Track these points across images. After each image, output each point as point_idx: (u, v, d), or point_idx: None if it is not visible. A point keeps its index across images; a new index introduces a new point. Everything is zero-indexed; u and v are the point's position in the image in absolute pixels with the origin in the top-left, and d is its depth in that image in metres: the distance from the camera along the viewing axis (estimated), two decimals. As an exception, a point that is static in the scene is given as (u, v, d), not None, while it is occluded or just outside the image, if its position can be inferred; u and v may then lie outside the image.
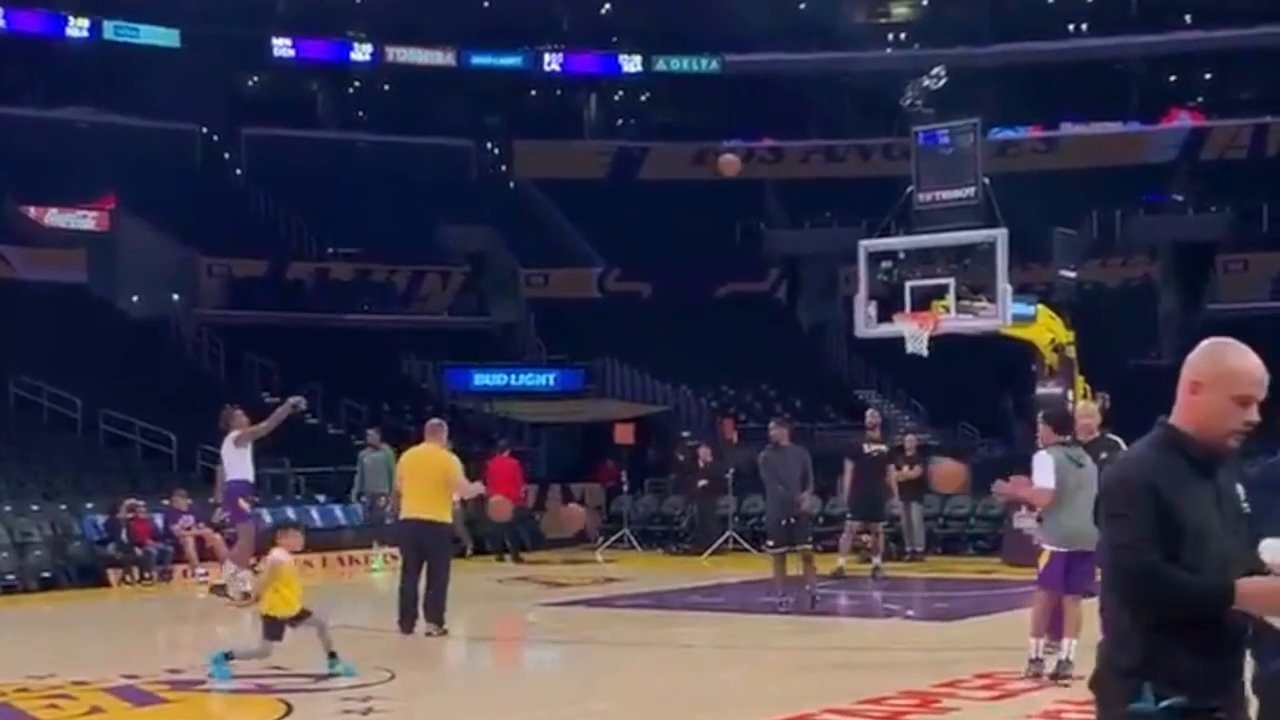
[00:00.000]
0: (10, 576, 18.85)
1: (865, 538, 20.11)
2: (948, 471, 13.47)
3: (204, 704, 10.69)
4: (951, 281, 19.05)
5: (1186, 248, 39.53)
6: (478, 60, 44.41)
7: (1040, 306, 20.34)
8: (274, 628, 11.11)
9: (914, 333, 18.98)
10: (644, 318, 36.62)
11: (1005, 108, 38.79)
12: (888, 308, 19.49)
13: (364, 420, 28.88)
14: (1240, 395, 3.81)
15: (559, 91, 47.42)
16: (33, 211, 36.67)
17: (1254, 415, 3.82)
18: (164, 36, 40.21)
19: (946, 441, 31.65)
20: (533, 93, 46.98)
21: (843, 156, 44.39)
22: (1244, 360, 3.86)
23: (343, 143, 43.84)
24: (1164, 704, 3.68)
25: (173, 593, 19.31)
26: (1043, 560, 10.61)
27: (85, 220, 37.24)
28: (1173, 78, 45.76)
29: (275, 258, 37.84)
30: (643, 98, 48.12)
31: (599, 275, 40.09)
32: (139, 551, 19.76)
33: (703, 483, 24.51)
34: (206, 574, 19.20)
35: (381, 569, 21.44)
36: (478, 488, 15.04)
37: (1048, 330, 20.35)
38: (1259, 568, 3.79)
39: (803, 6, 44.70)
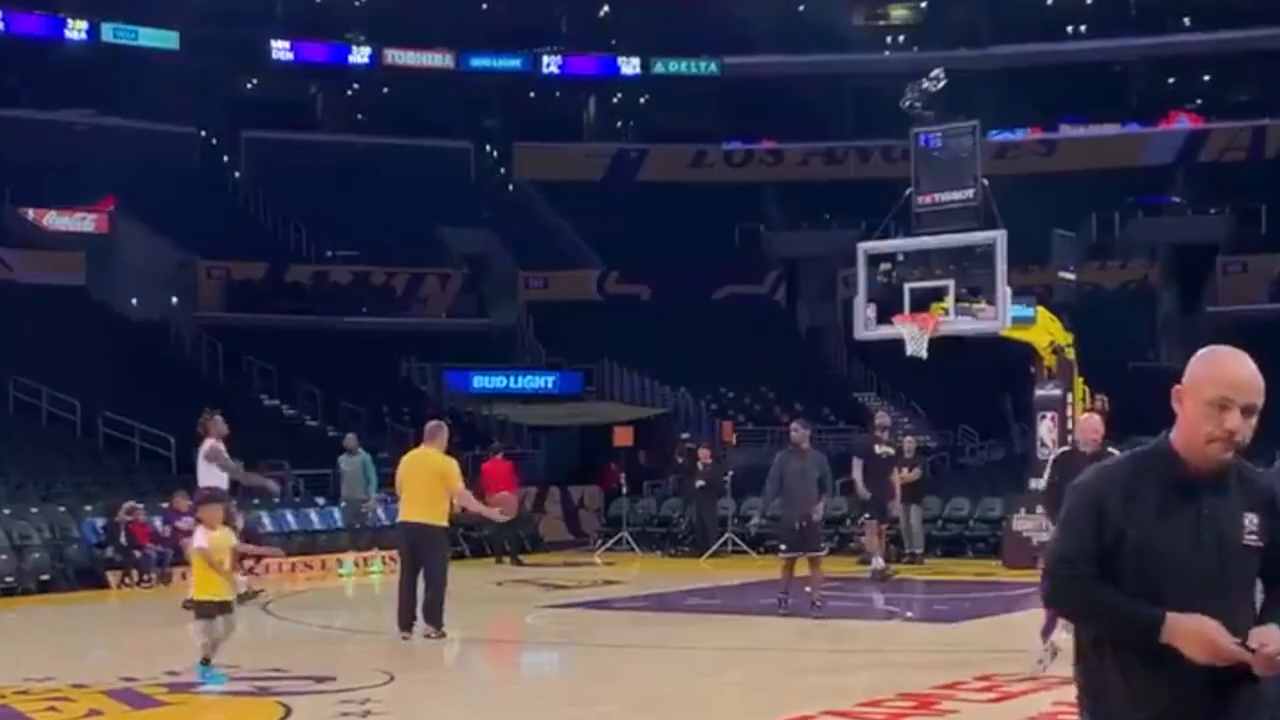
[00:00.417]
0: (9, 579, 18.82)
1: (863, 539, 20.12)
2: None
3: (203, 706, 10.67)
4: (951, 283, 19.06)
5: (1185, 250, 39.55)
6: (476, 62, 44.40)
7: (1039, 309, 20.34)
8: (207, 609, 11.11)
9: (913, 335, 18.98)
10: (643, 320, 36.63)
11: (1004, 110, 38.75)
12: (887, 310, 19.49)
13: (363, 423, 28.87)
14: (1213, 399, 3.54)
15: (558, 94, 47.41)
16: (31, 214, 36.65)
17: (1233, 422, 3.52)
18: (163, 39, 40.19)
19: (946, 443, 31.74)
20: (531, 95, 46.98)
21: (842, 159, 44.42)
22: (1220, 362, 3.61)
23: (341, 145, 43.82)
24: None
25: (172, 595, 19.24)
26: None
27: (84, 223, 37.22)
28: (1171, 80, 45.76)
29: (274, 260, 37.84)
30: (642, 100, 48.12)
31: (598, 277, 40.10)
32: (138, 554, 19.74)
33: (701, 484, 24.52)
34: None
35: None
36: (480, 505, 15.06)
37: (1047, 332, 20.36)
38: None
39: (801, 9, 44.69)
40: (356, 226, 37.84)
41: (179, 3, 39.09)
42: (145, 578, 19.62)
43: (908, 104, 20.54)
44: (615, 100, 48.32)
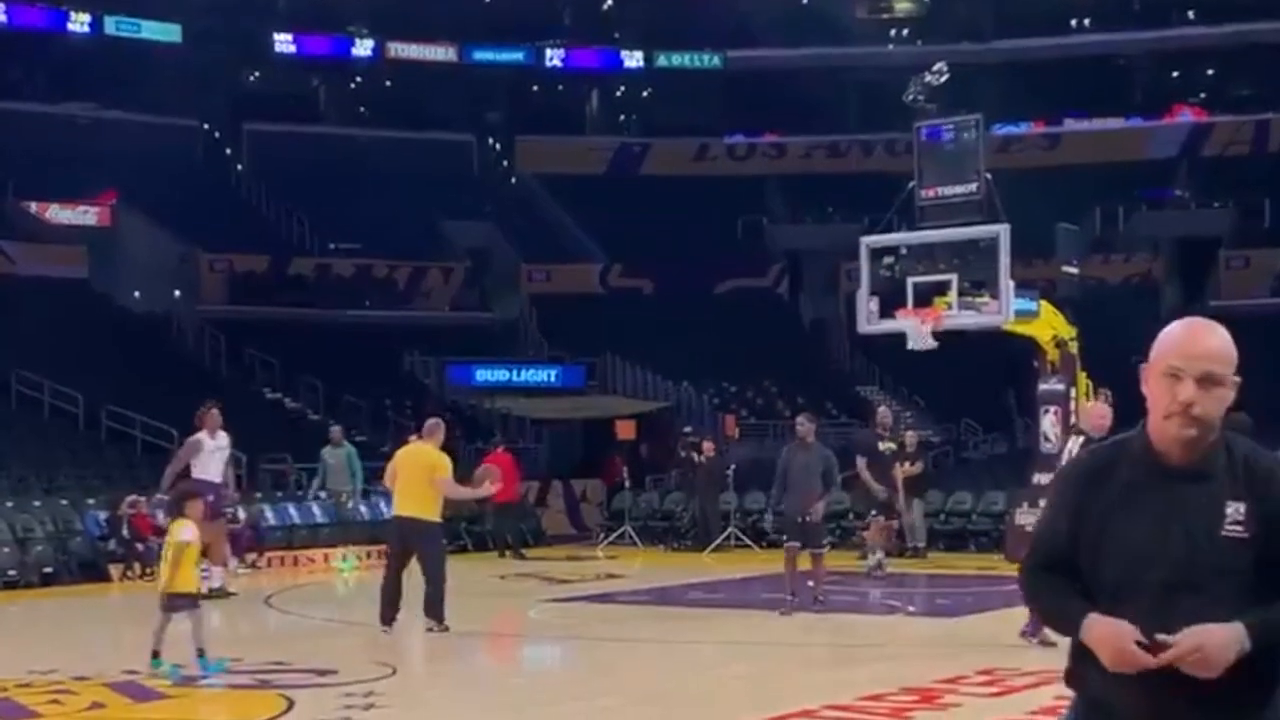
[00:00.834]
0: (12, 572, 18.84)
1: (865, 533, 20.11)
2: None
3: (205, 699, 10.68)
4: (954, 277, 19.04)
5: (1189, 244, 39.53)
6: (479, 55, 44.38)
7: (1043, 302, 20.32)
8: (185, 601, 11.16)
9: (916, 329, 18.97)
10: (646, 313, 36.61)
11: (1008, 104, 38.73)
12: (890, 304, 19.48)
13: (365, 416, 28.90)
14: (1164, 371, 3.32)
15: (561, 87, 47.40)
16: (34, 207, 36.66)
17: (1185, 393, 3.27)
18: (165, 32, 40.18)
19: (948, 437, 31.73)
20: (534, 88, 46.96)
21: (845, 152, 44.38)
22: (1171, 332, 3.37)
23: (344, 138, 43.79)
24: None
25: (174, 588, 19.29)
26: None
27: (86, 216, 37.23)
28: (1175, 74, 45.72)
29: (276, 253, 37.83)
30: (645, 93, 48.08)
31: (601, 271, 40.08)
32: (140, 547, 19.74)
33: (703, 475, 24.50)
34: (208, 570, 19.17)
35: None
36: (467, 491, 15.03)
37: (1050, 326, 20.34)
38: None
39: (805, 2, 44.65)
40: (359, 220, 37.83)
41: (181, -5, 39.12)
42: (147, 571, 19.58)
43: (911, 97, 20.54)
44: (618, 93, 48.30)
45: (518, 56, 44.90)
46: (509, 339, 37.44)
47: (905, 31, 46.09)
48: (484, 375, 34.41)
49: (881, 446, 19.77)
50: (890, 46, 44.29)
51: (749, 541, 23.52)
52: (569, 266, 39.94)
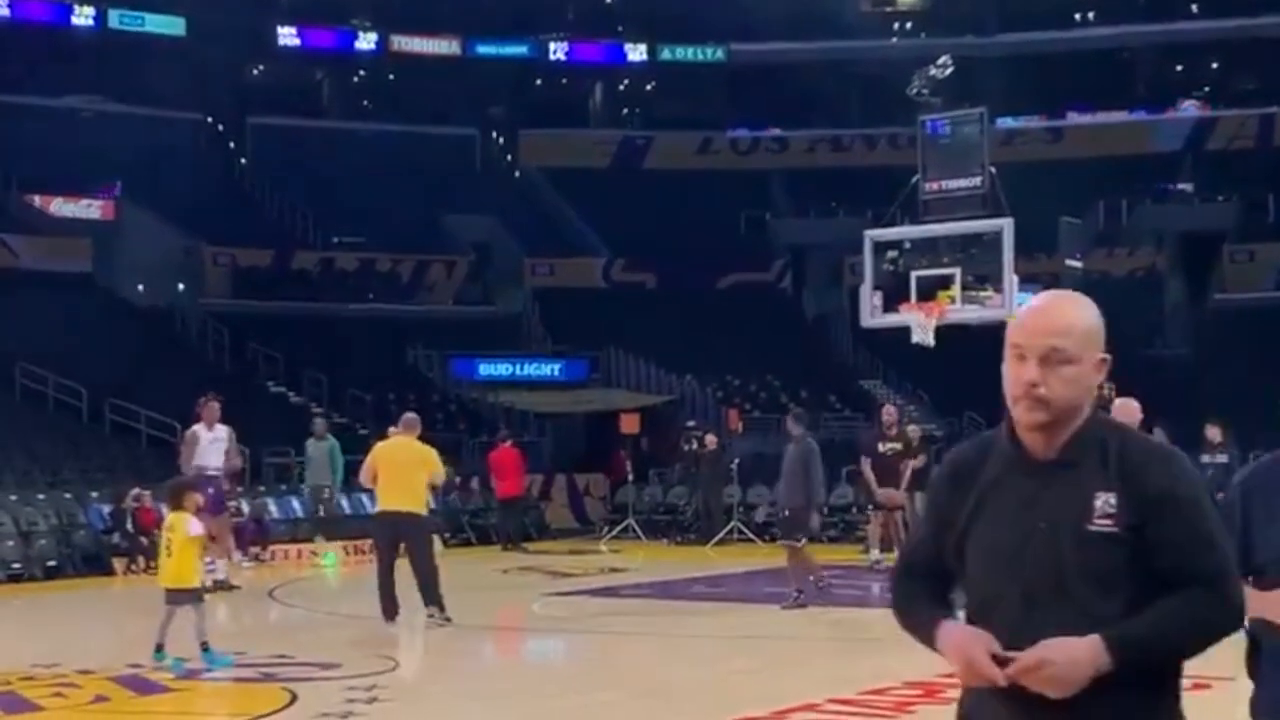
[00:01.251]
0: (16, 565, 18.87)
1: (868, 528, 20.10)
2: None
3: (209, 693, 10.69)
4: (957, 271, 19.06)
5: (1193, 238, 39.49)
6: (483, 49, 44.36)
7: (1046, 296, 20.30)
8: (188, 595, 11.19)
9: (920, 323, 18.97)
10: (649, 307, 36.60)
11: (1011, 97, 38.70)
12: (893, 298, 19.48)
13: (369, 410, 28.89)
14: (1009, 349, 3.04)
15: (564, 81, 47.37)
16: (38, 200, 36.68)
17: (1028, 373, 2.97)
18: (169, 25, 40.18)
19: (951, 431, 31.70)
20: (538, 82, 46.93)
21: (848, 146, 44.36)
22: (1019, 311, 3.09)
23: (347, 132, 43.82)
24: None
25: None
26: None
27: (90, 209, 37.24)
28: (1179, 67, 45.66)
29: (280, 247, 37.84)
30: (648, 87, 48.06)
31: (604, 265, 40.07)
32: (144, 540, 19.73)
33: (706, 469, 24.50)
34: (213, 564, 19.18)
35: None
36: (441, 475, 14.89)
37: (1053, 320, 20.29)
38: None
39: (808, -5, 44.62)
40: (362, 213, 37.83)
41: (185, -11, 39.12)
42: (151, 564, 19.58)
43: (915, 91, 20.55)
44: (622, 87, 48.27)
45: (521, 50, 44.89)
46: (512, 333, 37.43)
47: (909, 25, 46.05)
48: (487, 369, 34.42)
49: (883, 448, 19.70)
50: (894, 40, 44.26)
51: (752, 535, 23.52)
52: (572, 260, 39.93)
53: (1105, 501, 2.90)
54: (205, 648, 11.08)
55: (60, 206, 36.87)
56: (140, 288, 36.12)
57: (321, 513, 22.12)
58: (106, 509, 20.38)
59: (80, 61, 39.31)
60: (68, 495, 21.22)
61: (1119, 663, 2.81)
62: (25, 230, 34.57)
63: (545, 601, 16.56)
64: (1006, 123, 40.09)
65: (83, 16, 39.38)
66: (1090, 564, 2.89)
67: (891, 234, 20.37)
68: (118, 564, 19.64)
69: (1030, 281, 20.44)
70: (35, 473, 22.85)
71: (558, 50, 45.21)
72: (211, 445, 16.85)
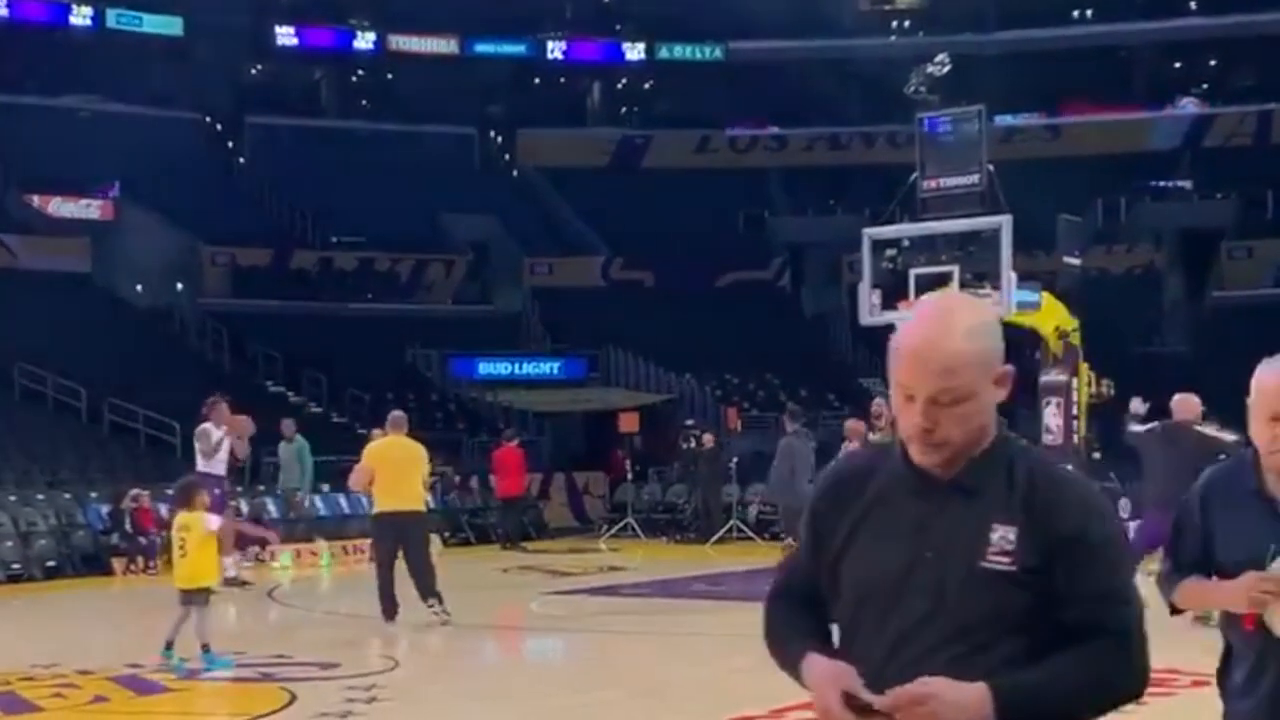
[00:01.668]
0: (15, 565, 18.88)
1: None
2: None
3: (208, 693, 10.69)
4: (956, 269, 19.05)
5: (1191, 235, 39.49)
6: (481, 48, 44.36)
7: (1045, 294, 20.31)
8: (201, 596, 11.20)
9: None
10: (647, 306, 36.61)
11: (1009, 95, 38.69)
12: (892, 296, 19.47)
13: (368, 409, 28.89)
14: (896, 388, 2.65)
15: (562, 79, 47.37)
16: (36, 200, 36.68)
17: (918, 418, 2.58)
18: (167, 25, 40.19)
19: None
20: (536, 81, 46.92)
21: (847, 144, 44.36)
22: (902, 336, 2.66)
23: (346, 131, 43.81)
24: None
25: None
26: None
27: (89, 209, 37.23)
28: (1178, 65, 45.68)
29: (279, 247, 37.83)
30: (646, 86, 48.05)
31: (602, 264, 40.06)
32: (143, 540, 19.77)
33: (705, 467, 24.50)
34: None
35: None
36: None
37: (1052, 318, 20.33)
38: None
39: (806, -7, 44.62)
40: (361, 213, 37.82)
41: (183, -12, 39.11)
42: (150, 564, 19.63)
43: (913, 89, 20.59)
44: (620, 86, 48.26)
45: (519, 49, 44.90)
46: (511, 332, 37.43)
47: (907, 23, 46.05)
48: (486, 368, 34.43)
49: (873, 438, 19.72)
50: (892, 38, 44.27)
51: (751, 533, 23.52)
52: (571, 259, 39.92)
53: (1003, 536, 2.56)
54: (205, 649, 11.08)
55: (59, 206, 36.85)
56: (139, 287, 36.11)
57: (318, 510, 22.10)
58: (105, 509, 20.37)
59: (78, 61, 39.28)
60: (67, 495, 21.21)
61: (1002, 718, 2.49)
62: (24, 230, 34.57)
63: (544, 600, 16.55)
64: (1005, 120, 40.08)
65: (80, 16, 39.38)
66: (976, 604, 2.55)
67: (890, 232, 20.38)
68: (117, 564, 19.64)
69: (1029, 279, 20.43)
70: (34, 473, 22.85)
71: (556, 49, 45.21)
72: (222, 445, 16.81)
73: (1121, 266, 38.78)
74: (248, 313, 33.75)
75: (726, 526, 23.89)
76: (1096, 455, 20.88)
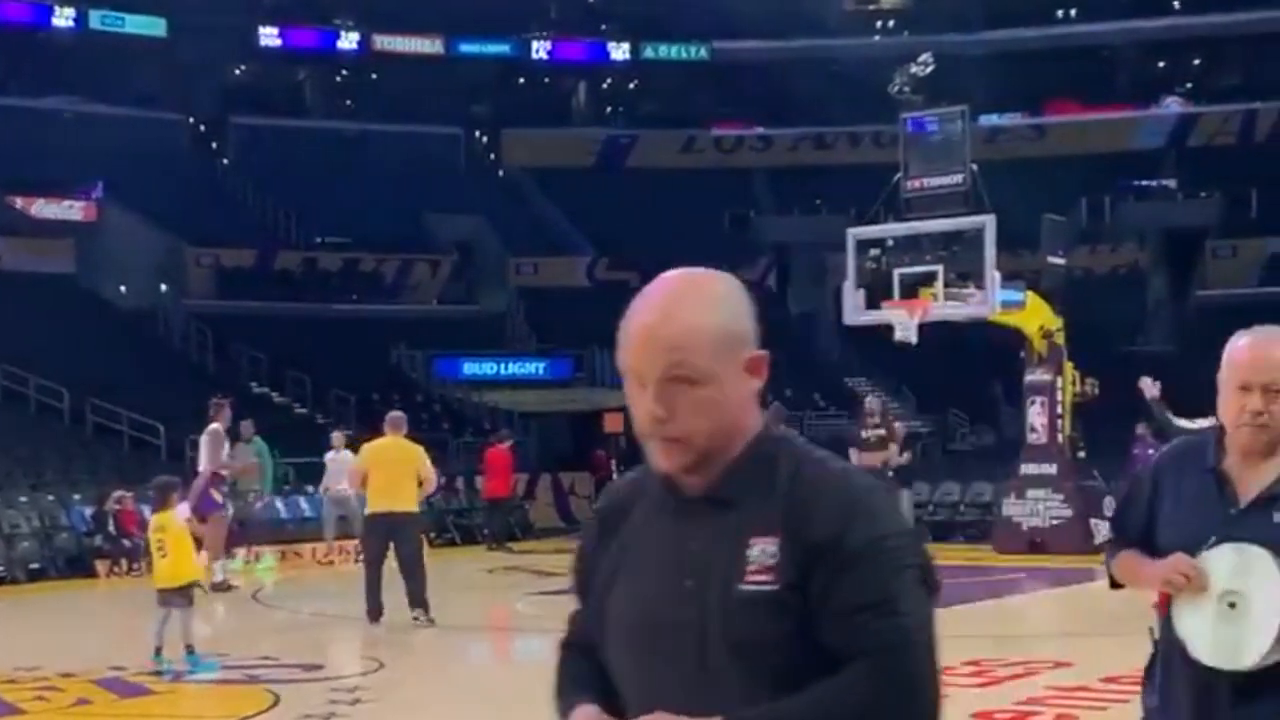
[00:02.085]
0: (-2, 568, 18.80)
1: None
2: None
3: (192, 695, 10.65)
4: (940, 269, 19.09)
5: (1175, 234, 39.57)
6: (466, 48, 44.33)
7: (1029, 293, 20.35)
8: (180, 598, 11.18)
9: (903, 320, 18.98)
10: (633, 306, 36.55)
11: (994, 94, 38.74)
12: (877, 295, 19.50)
13: (352, 410, 28.84)
14: (627, 374, 2.31)
15: (547, 79, 47.35)
16: (19, 201, 36.54)
17: (649, 405, 2.23)
18: (150, 26, 40.08)
19: (935, 428, 31.76)
20: (521, 81, 46.89)
21: (831, 144, 44.38)
22: (634, 314, 2.35)
23: (330, 131, 43.73)
24: None
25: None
26: None
27: (72, 210, 37.10)
28: (1161, 64, 45.77)
29: (263, 247, 37.74)
30: (631, 85, 48.05)
31: (588, 264, 40.02)
32: (127, 542, 19.69)
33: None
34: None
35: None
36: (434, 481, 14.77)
37: (1037, 317, 20.37)
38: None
39: (791, -6, 44.64)
40: (346, 213, 37.76)
41: (166, -11, 39.00)
42: (134, 566, 19.55)
43: (897, 89, 20.62)
44: (605, 85, 48.25)
45: (504, 49, 44.86)
46: (496, 332, 37.39)
47: (891, 23, 46.11)
48: (471, 368, 34.40)
49: (865, 435, 19.76)
50: (876, 38, 44.33)
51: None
52: (556, 259, 39.90)
53: (763, 550, 2.18)
54: (190, 650, 11.04)
55: (42, 207, 36.72)
56: (123, 288, 36.00)
57: (304, 512, 22.03)
58: (89, 511, 20.30)
59: (61, 62, 39.16)
60: (50, 497, 21.12)
61: None
62: (7, 231, 34.41)
63: (530, 601, 16.52)
64: (989, 120, 40.14)
65: (63, 18, 39.25)
66: (740, 635, 2.17)
67: (874, 232, 20.40)
68: (100, 566, 19.56)
69: (1013, 278, 20.46)
70: (17, 474, 22.74)
71: (541, 49, 45.19)
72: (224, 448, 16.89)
73: (1106, 266, 38.85)
74: (232, 314, 33.66)
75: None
76: (1081, 454, 20.94)
